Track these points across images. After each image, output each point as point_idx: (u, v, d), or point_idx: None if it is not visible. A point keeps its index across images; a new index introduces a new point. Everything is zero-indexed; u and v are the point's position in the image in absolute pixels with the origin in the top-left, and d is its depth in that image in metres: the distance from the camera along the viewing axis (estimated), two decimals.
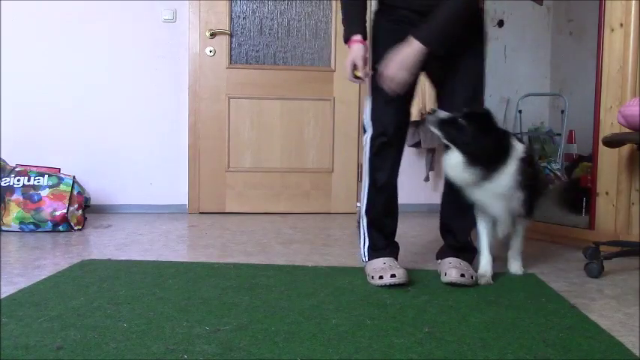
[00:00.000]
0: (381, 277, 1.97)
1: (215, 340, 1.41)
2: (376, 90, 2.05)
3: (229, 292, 1.85)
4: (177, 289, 1.89)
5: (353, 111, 3.97)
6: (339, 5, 2.13)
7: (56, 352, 1.32)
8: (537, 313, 1.69)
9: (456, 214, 2.19)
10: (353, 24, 2.03)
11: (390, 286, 1.94)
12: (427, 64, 1.98)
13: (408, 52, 1.90)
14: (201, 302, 1.74)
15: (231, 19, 3.88)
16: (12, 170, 3.18)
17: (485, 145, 1.94)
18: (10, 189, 3.11)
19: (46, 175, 3.16)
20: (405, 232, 3.14)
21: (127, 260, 2.36)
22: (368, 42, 2.05)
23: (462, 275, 1.97)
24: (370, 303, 1.76)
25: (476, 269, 2.10)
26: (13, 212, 3.05)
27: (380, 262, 2.05)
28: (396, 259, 2.13)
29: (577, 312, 1.72)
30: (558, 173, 3.82)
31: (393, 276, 1.95)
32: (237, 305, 1.71)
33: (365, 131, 2.12)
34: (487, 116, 1.98)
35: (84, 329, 1.47)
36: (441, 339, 1.45)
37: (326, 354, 1.34)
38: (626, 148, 2.64)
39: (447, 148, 2.00)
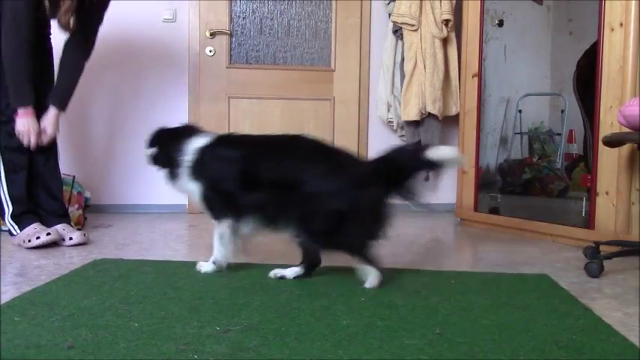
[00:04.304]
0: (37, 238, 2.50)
1: (225, 340, 1.41)
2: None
3: (240, 293, 1.85)
4: (189, 289, 1.89)
5: (353, 111, 3.98)
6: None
7: (67, 352, 1.31)
8: (550, 315, 1.67)
9: None
10: (27, 93, 2.48)
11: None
12: None
13: (52, 115, 2.59)
14: (212, 302, 1.74)
15: (231, 19, 3.88)
16: None
17: (159, 149, 2.29)
18: None
19: None
20: (405, 231, 3.15)
21: (139, 260, 2.36)
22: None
23: None
24: (381, 304, 1.75)
25: None
26: None
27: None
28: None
29: (591, 314, 1.70)
30: (558, 173, 3.85)
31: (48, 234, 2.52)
32: (248, 305, 1.71)
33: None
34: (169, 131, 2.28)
35: (95, 329, 1.47)
36: (453, 340, 1.45)
37: (336, 355, 1.34)
38: (626, 148, 2.66)
39: None
